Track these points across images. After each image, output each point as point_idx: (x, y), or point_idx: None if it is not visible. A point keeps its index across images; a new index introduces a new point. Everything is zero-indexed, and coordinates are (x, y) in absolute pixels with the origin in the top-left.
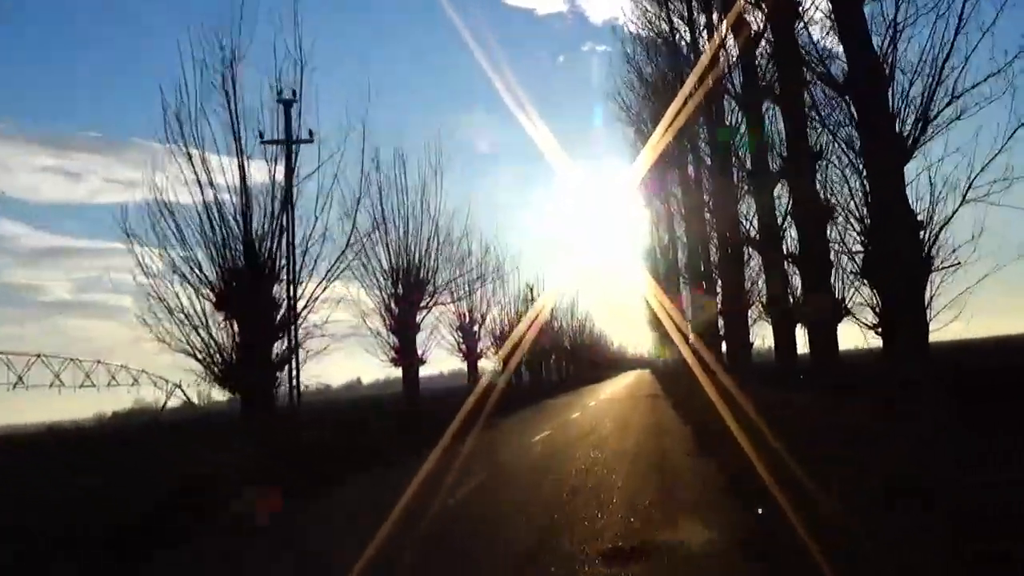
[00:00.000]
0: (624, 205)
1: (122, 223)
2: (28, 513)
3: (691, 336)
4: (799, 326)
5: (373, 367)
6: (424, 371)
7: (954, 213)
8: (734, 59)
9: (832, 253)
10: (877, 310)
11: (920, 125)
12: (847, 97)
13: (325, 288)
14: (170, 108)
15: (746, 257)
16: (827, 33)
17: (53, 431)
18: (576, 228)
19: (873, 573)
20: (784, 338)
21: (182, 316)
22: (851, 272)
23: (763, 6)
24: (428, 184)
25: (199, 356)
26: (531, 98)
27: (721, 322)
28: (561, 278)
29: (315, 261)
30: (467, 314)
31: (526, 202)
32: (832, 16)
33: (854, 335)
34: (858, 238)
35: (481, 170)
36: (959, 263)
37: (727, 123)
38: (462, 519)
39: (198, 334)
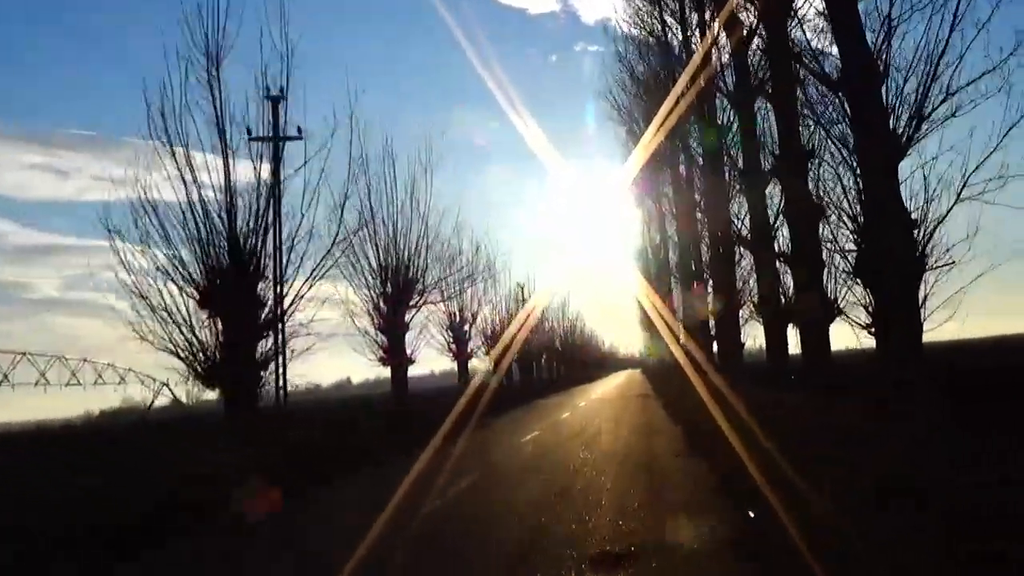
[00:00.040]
0: (616, 204)
1: (104, 220)
2: (28, 513)
3: (682, 336)
4: (791, 326)
5: (363, 367)
6: (414, 371)
7: (948, 211)
8: (726, 57)
9: (825, 252)
10: (870, 309)
11: (914, 122)
12: (841, 94)
13: (311, 286)
14: (154, 104)
15: (738, 257)
16: (819, 32)
17: (42, 429)
18: (568, 227)
19: (865, 573)
20: (776, 338)
21: (165, 314)
22: (844, 271)
23: (756, 4)
24: (418, 182)
25: (181, 354)
26: (523, 97)
27: (712, 322)
28: (552, 277)
29: (301, 259)
30: (457, 313)
31: (517, 201)
32: (826, 13)
33: (847, 335)
34: (851, 236)
35: (472, 168)
36: (953, 262)
37: (719, 122)
38: (453, 519)
39: (181, 332)
